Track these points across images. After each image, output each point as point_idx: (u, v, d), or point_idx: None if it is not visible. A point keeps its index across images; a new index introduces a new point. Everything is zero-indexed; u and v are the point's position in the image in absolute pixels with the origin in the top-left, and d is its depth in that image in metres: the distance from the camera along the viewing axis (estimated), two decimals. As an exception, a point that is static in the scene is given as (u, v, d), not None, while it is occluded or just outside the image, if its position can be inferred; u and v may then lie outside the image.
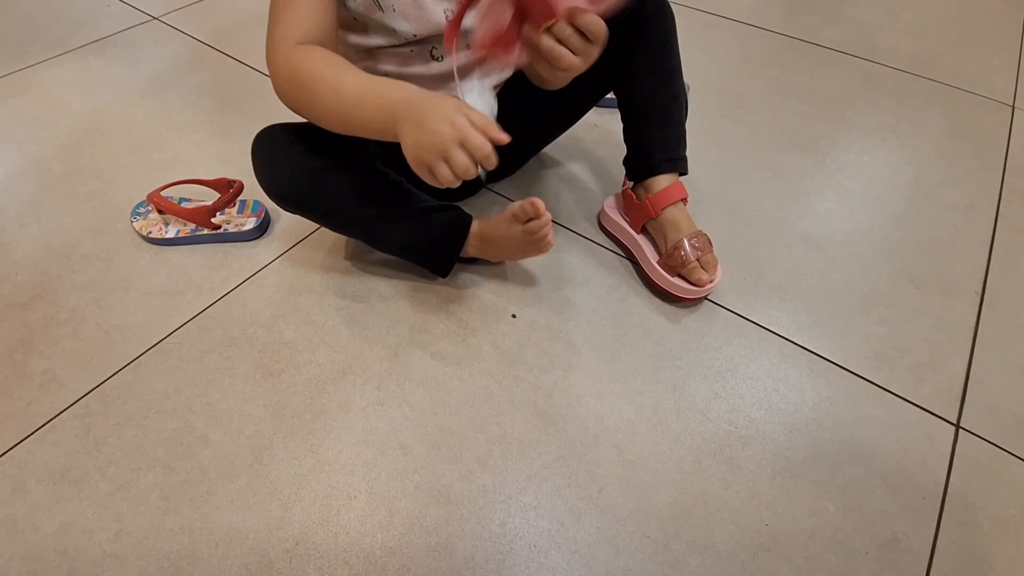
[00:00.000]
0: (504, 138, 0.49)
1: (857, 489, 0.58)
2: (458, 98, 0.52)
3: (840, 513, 0.56)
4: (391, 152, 0.57)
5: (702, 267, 0.69)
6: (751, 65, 1.16)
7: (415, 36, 0.61)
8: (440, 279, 0.74)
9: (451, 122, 0.48)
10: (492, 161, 0.49)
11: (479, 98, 0.63)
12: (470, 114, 0.49)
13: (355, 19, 0.61)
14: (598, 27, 0.49)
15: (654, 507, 0.56)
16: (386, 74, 0.65)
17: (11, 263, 0.75)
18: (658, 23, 0.68)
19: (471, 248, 0.70)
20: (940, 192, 0.91)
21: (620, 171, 0.77)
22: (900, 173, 0.94)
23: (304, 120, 0.62)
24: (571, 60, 0.49)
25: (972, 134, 1.02)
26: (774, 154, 0.96)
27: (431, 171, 0.49)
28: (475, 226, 0.70)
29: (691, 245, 0.69)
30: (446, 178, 0.49)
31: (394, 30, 0.60)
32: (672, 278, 0.70)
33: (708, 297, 0.74)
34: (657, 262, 0.72)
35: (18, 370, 0.65)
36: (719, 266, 0.71)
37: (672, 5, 0.70)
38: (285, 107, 0.57)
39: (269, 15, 0.56)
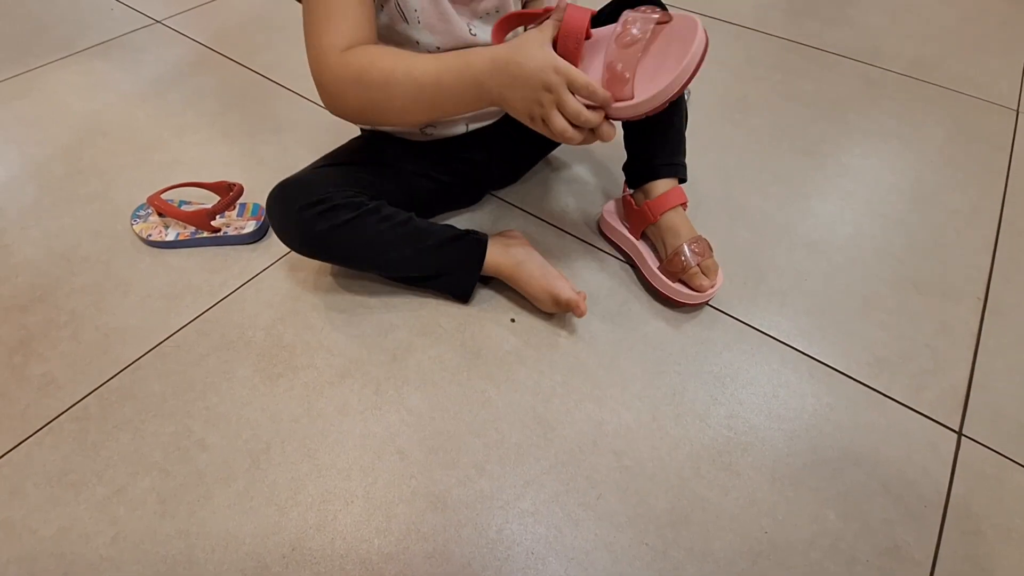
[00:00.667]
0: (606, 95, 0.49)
1: (858, 496, 0.58)
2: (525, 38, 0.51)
3: (840, 521, 0.56)
4: (401, 188, 0.58)
5: (703, 272, 0.69)
6: (753, 69, 1.16)
7: (438, 48, 0.62)
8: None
9: (544, 61, 0.48)
10: (601, 95, 0.48)
11: None
12: (554, 58, 0.49)
13: (378, 31, 0.61)
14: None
15: (652, 513, 0.56)
16: None
17: (12, 265, 0.75)
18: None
19: (490, 269, 0.70)
20: (943, 196, 0.90)
21: (621, 176, 0.77)
22: (903, 177, 0.94)
23: (314, 169, 0.64)
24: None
25: (975, 138, 1.01)
26: (776, 158, 0.96)
27: (546, 122, 0.49)
28: (504, 264, 0.69)
29: (691, 250, 0.69)
30: (559, 127, 0.49)
31: (418, 42, 0.61)
32: (673, 284, 0.70)
33: (708, 302, 0.73)
34: (658, 268, 0.71)
35: (17, 373, 0.65)
36: (720, 271, 0.70)
37: (673, 10, 0.69)
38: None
39: (306, 28, 0.55)
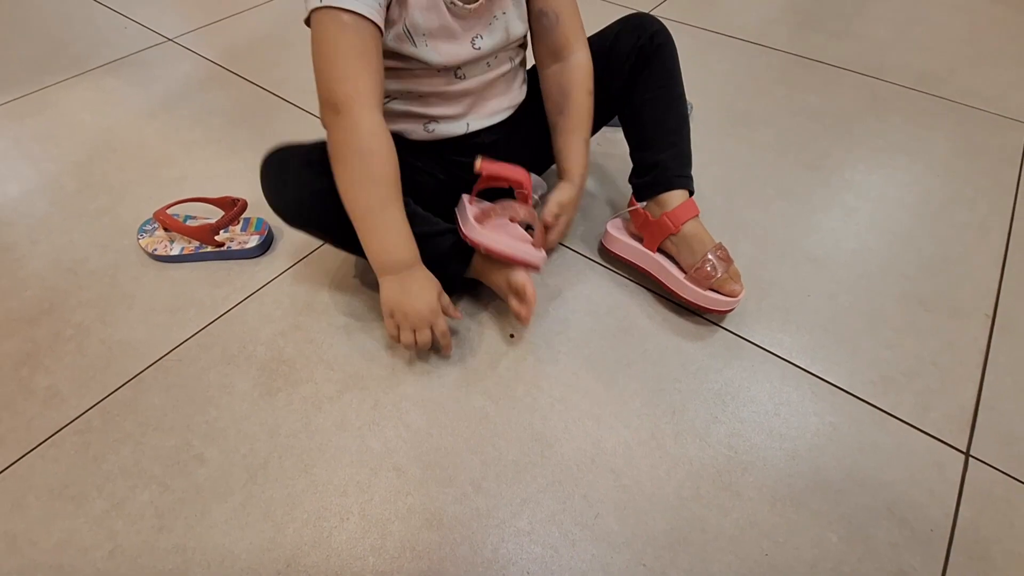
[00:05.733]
0: (458, 316, 0.67)
1: (862, 519, 0.56)
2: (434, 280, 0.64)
3: (844, 544, 0.55)
4: (403, 172, 0.59)
5: (730, 278, 0.69)
6: (757, 83, 1.16)
7: (445, 66, 0.63)
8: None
9: (431, 304, 0.62)
10: (449, 344, 0.66)
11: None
12: (443, 299, 0.64)
13: (385, 50, 0.61)
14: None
15: (651, 534, 0.55)
16: (409, 92, 0.66)
17: (21, 278, 0.77)
18: (666, 53, 0.72)
19: (474, 272, 0.71)
20: (950, 212, 0.89)
21: (617, 193, 0.77)
22: (909, 192, 0.93)
23: (312, 141, 0.64)
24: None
25: (983, 152, 1.00)
26: (780, 172, 0.95)
27: (399, 332, 0.63)
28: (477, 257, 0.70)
29: (717, 257, 0.69)
30: (407, 343, 0.63)
31: (426, 61, 0.62)
32: (705, 292, 0.69)
33: (707, 317, 0.73)
34: (685, 278, 0.71)
35: (23, 385, 0.66)
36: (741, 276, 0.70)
37: (678, 24, 0.70)
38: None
39: (319, 54, 0.56)
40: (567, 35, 0.70)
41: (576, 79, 0.70)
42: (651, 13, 0.78)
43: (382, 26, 0.57)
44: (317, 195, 0.62)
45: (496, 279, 0.69)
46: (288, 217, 0.66)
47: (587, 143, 0.73)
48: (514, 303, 0.67)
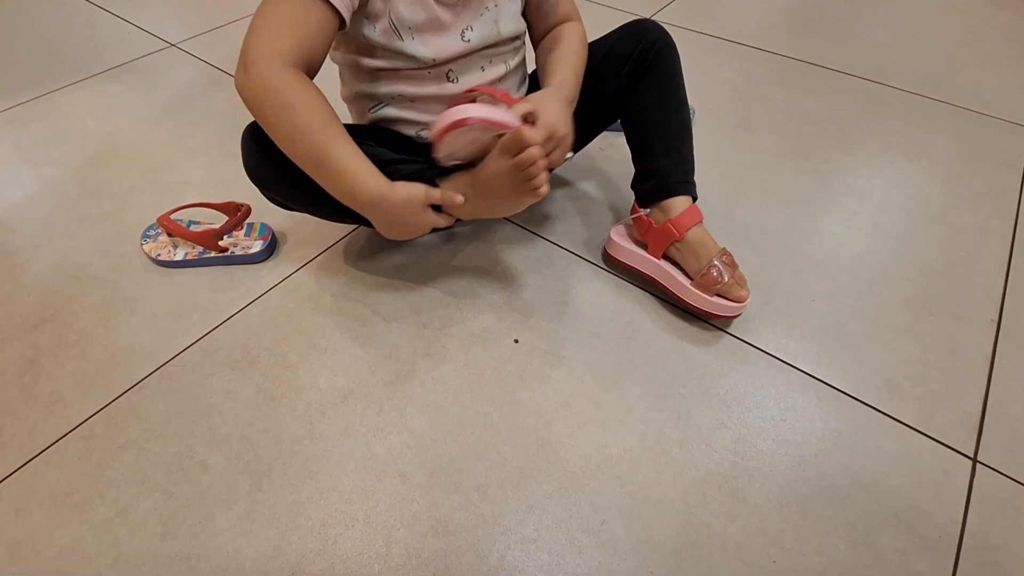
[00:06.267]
0: (459, 200, 0.61)
1: (868, 526, 0.56)
2: (423, 183, 0.61)
3: (851, 551, 0.54)
4: (394, 176, 0.59)
5: (737, 283, 0.69)
6: (757, 87, 1.16)
7: (434, 61, 0.63)
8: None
9: (421, 220, 0.61)
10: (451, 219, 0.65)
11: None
12: (431, 194, 0.60)
13: (372, 46, 0.62)
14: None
15: (657, 541, 0.55)
16: (399, 95, 0.65)
17: (24, 284, 0.77)
18: (668, 59, 0.72)
19: (464, 210, 0.63)
20: (952, 216, 0.89)
21: (619, 197, 0.77)
22: (910, 196, 0.93)
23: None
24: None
25: (985, 156, 1.00)
26: (780, 177, 0.95)
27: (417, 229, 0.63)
28: (463, 177, 0.64)
29: (723, 263, 0.69)
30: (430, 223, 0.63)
31: (413, 56, 0.62)
32: (712, 298, 0.69)
33: (711, 323, 0.73)
34: (691, 284, 0.71)
35: (26, 392, 0.66)
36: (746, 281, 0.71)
37: (677, 29, 0.71)
38: (237, 91, 0.56)
39: (254, 20, 0.55)
40: (566, 12, 0.72)
41: (569, 31, 0.71)
42: (653, 17, 0.78)
43: (345, 15, 0.56)
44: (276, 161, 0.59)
45: (492, 181, 0.60)
46: (271, 187, 0.67)
47: (577, 76, 0.68)
48: (522, 158, 0.56)
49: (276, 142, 0.57)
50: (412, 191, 0.59)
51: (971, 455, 0.61)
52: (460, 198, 0.61)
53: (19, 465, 0.60)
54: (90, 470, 0.59)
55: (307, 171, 0.57)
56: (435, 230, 0.67)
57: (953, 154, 1.01)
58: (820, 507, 0.57)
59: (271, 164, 0.61)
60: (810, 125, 1.06)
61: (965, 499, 0.58)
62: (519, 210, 0.66)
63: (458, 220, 0.68)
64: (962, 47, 1.30)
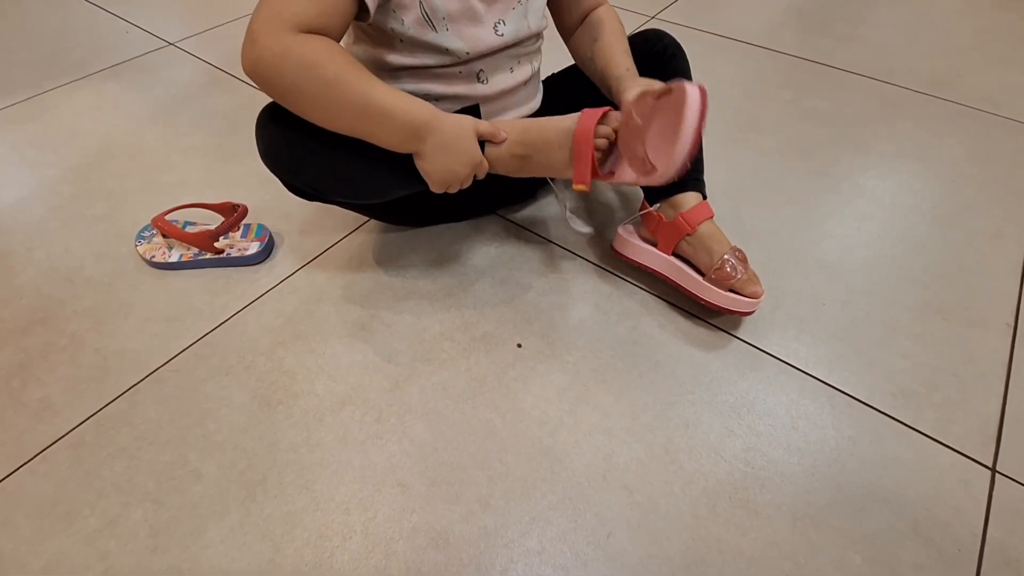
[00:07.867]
0: (503, 136, 0.60)
1: (885, 539, 0.54)
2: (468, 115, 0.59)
3: (867, 565, 0.52)
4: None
5: (751, 279, 0.68)
6: (765, 88, 1.15)
7: (468, 54, 0.61)
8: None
9: (472, 148, 0.58)
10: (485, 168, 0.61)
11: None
12: (479, 124, 0.59)
13: (401, 40, 0.59)
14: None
15: (666, 554, 0.53)
16: (425, 95, 0.62)
17: (15, 287, 0.75)
18: (679, 63, 0.73)
19: (501, 157, 0.61)
20: (964, 218, 0.87)
21: (624, 200, 0.76)
22: (921, 198, 0.91)
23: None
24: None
25: (996, 157, 0.98)
26: (789, 178, 0.94)
27: (447, 190, 0.60)
28: (512, 122, 0.62)
29: (735, 258, 0.67)
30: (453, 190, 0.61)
31: (447, 50, 0.60)
32: (726, 293, 0.67)
33: (720, 327, 0.71)
34: (704, 280, 0.69)
35: (15, 397, 0.64)
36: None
37: (685, 29, 0.69)
38: (249, 76, 0.51)
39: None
40: (593, 1, 0.72)
41: (607, 14, 0.71)
42: (658, 16, 0.77)
43: (369, 4, 0.53)
44: (324, 136, 0.55)
45: (553, 136, 0.60)
46: (289, 169, 0.59)
47: (630, 57, 0.68)
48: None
49: (304, 111, 0.52)
50: (461, 116, 0.58)
51: (990, 465, 0.59)
52: (504, 133, 0.60)
53: (5, 474, 0.58)
54: (79, 479, 0.57)
55: (349, 126, 0.53)
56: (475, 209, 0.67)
57: (964, 155, 0.99)
58: (835, 519, 0.55)
59: (296, 146, 0.57)
60: (818, 125, 1.05)
61: (985, 511, 0.56)
62: (550, 175, 0.63)
63: (481, 182, 0.64)
64: (970, 48, 1.28)
